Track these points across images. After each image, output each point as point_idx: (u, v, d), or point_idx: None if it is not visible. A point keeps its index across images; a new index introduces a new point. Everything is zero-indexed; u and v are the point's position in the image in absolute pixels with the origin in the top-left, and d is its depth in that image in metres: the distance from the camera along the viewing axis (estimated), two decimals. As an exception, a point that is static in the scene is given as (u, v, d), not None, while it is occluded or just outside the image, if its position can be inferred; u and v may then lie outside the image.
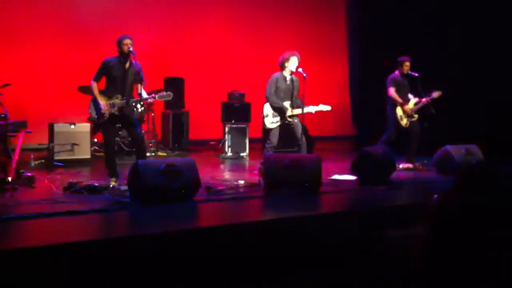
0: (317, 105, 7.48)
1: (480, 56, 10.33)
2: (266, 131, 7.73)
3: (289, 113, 7.42)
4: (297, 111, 7.40)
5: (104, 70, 6.51)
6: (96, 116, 6.50)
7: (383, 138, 8.29)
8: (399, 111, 8.26)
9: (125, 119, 6.60)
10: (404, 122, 8.27)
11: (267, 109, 7.58)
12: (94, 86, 6.52)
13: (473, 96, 10.33)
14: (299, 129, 7.43)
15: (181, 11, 11.98)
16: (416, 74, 8.21)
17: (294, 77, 7.53)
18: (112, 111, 6.46)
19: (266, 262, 4.29)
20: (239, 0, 12.60)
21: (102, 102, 6.43)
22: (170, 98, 6.81)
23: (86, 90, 7.98)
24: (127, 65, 6.50)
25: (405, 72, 8.28)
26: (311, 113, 7.43)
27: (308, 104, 7.43)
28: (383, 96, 8.43)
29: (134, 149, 7.38)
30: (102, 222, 4.93)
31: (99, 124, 6.67)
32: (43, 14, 10.57)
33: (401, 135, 8.34)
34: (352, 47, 14.01)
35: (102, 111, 6.43)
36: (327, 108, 7.54)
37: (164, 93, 6.74)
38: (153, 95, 6.67)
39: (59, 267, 3.67)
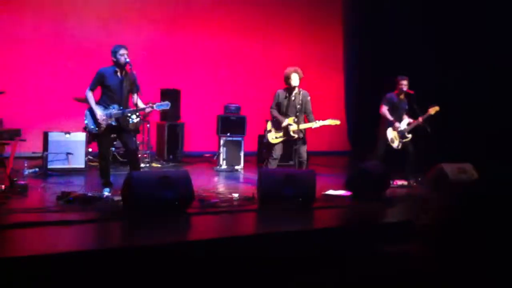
0: (324, 119, 7.47)
1: (477, 74, 10.40)
2: (267, 145, 7.75)
3: (289, 127, 7.39)
4: (294, 126, 7.35)
5: (100, 80, 6.47)
6: (92, 127, 6.47)
7: (372, 155, 8.35)
8: (390, 133, 8.28)
9: (121, 129, 6.58)
10: (396, 144, 8.29)
11: (271, 124, 7.65)
12: (90, 96, 6.49)
13: (468, 115, 10.39)
14: (300, 146, 7.42)
15: (178, 23, 12.03)
16: (411, 92, 8.25)
17: (303, 91, 7.54)
18: (109, 121, 6.44)
19: (258, 276, 4.27)
20: (236, 13, 12.67)
21: (99, 112, 6.41)
22: (168, 108, 6.78)
23: (82, 100, 7.97)
24: (123, 74, 6.49)
25: (401, 91, 8.30)
26: (312, 127, 7.42)
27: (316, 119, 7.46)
28: (379, 113, 8.46)
29: (127, 160, 7.31)
30: (95, 232, 4.90)
31: (94, 134, 6.64)
32: (40, 23, 10.60)
33: (394, 152, 8.36)
34: (349, 63, 14.09)
35: (99, 121, 6.41)
36: (335, 122, 7.54)
37: (162, 102, 6.72)
38: (150, 104, 6.64)
39: (51, 277, 3.64)
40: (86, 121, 6.51)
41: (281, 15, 13.18)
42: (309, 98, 7.57)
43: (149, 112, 6.89)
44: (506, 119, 9.85)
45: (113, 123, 6.46)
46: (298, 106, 7.44)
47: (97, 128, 6.46)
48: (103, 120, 6.39)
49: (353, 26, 13.84)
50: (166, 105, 6.67)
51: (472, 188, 1.43)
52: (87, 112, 6.51)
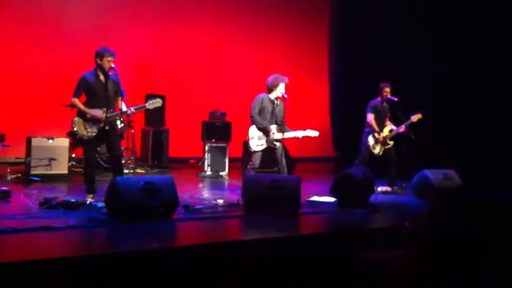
0: (304, 130, 7.43)
1: (461, 82, 10.52)
2: (249, 152, 7.63)
3: (272, 135, 7.34)
4: (280, 135, 7.30)
5: (84, 85, 6.38)
6: (84, 133, 6.33)
7: (356, 161, 8.40)
8: (371, 139, 8.35)
9: (108, 133, 6.47)
10: (377, 150, 8.36)
11: (253, 131, 7.40)
12: (78, 102, 6.39)
13: (452, 122, 10.49)
14: (280, 153, 7.39)
15: (164, 28, 12.01)
16: (395, 99, 8.31)
17: (279, 101, 7.47)
18: (100, 124, 6.35)
19: (244, 282, 4.26)
20: (222, 19, 12.68)
21: (94, 111, 6.32)
22: (160, 105, 6.75)
23: (69, 105, 7.89)
24: (106, 78, 6.40)
25: (384, 97, 8.39)
26: (297, 138, 7.40)
27: (295, 129, 7.41)
28: (363, 119, 8.51)
29: (111, 166, 7.17)
30: (78, 238, 4.86)
31: (81, 140, 6.51)
32: (25, 26, 10.52)
33: (377, 159, 8.42)
34: (334, 70, 14.16)
35: (99, 117, 6.30)
36: (314, 133, 7.47)
37: (153, 100, 6.67)
38: (141, 105, 6.60)
39: (33, 284, 3.60)
40: (75, 128, 6.37)
41: (268, 22, 13.21)
42: (283, 107, 7.54)
43: (141, 109, 6.78)
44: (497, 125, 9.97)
45: (106, 127, 6.37)
46: (281, 115, 7.44)
47: (89, 134, 6.36)
48: (101, 116, 6.28)
49: (339, 34, 13.91)
50: (157, 102, 6.65)
51: (458, 194, 1.44)
52: (75, 119, 6.38)
